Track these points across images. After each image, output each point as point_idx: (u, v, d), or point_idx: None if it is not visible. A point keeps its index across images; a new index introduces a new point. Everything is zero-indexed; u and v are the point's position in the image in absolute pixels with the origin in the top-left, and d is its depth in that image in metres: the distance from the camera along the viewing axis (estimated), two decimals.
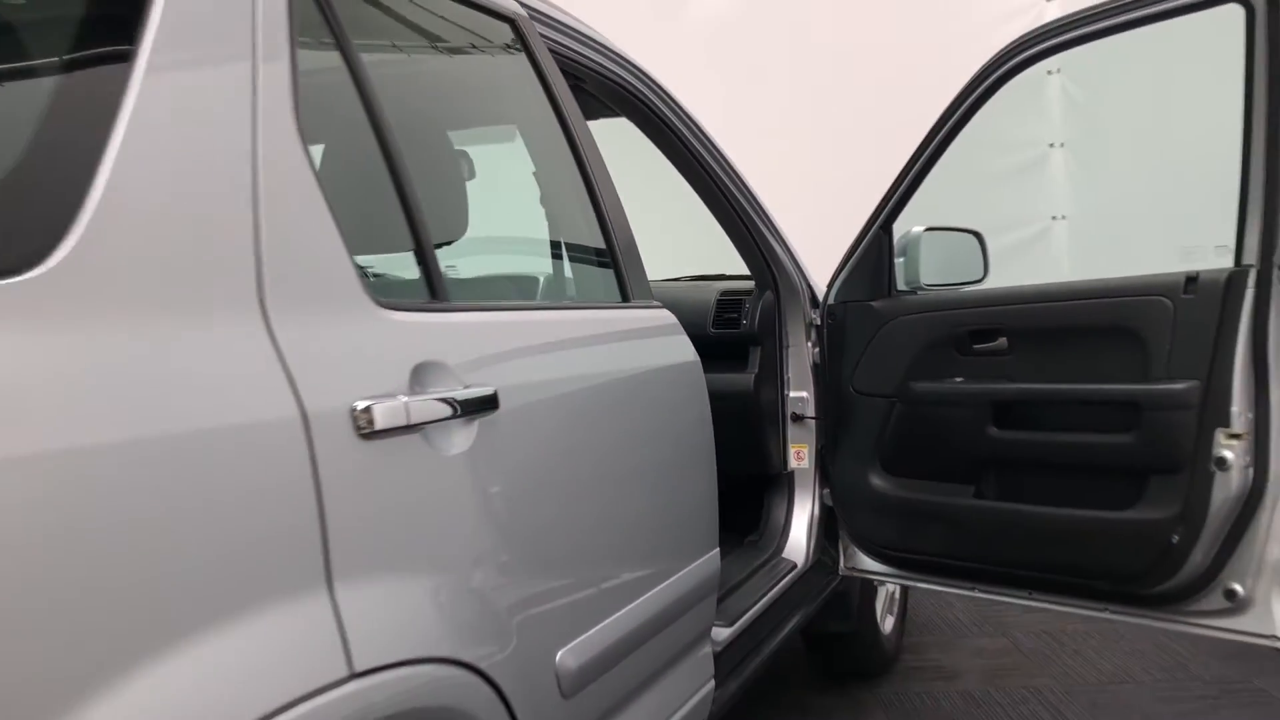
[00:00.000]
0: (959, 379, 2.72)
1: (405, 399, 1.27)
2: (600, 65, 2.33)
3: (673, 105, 2.59)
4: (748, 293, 3.18)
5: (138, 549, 0.96)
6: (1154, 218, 4.84)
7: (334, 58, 1.42)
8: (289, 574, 1.11)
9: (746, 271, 3.16)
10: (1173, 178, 4.82)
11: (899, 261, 2.90)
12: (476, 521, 1.41)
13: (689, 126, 2.64)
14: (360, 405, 1.21)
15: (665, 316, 2.16)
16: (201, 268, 1.10)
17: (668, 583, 1.96)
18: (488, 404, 1.42)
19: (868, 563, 2.95)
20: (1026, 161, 5.38)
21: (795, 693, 3.47)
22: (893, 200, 2.82)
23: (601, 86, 2.40)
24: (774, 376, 3.11)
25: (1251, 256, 2.22)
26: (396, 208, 1.47)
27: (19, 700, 0.86)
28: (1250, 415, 2.22)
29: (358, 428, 1.20)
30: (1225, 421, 2.23)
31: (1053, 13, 5.46)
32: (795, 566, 2.97)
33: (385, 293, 1.36)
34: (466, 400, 1.38)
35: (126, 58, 1.07)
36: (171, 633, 0.98)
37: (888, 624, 3.59)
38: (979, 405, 2.66)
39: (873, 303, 2.87)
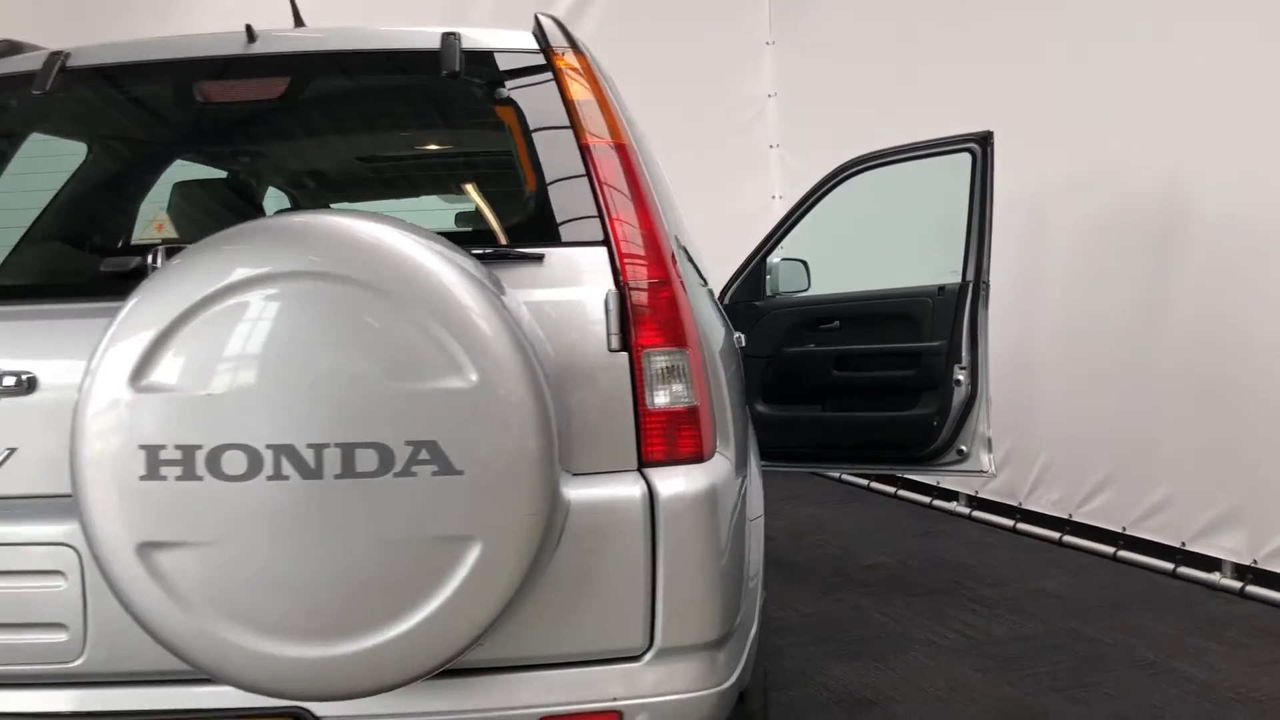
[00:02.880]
0: (812, 345, 4.79)
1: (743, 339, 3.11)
2: None
3: None
4: None
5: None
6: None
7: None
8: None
9: None
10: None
11: (768, 278, 4.92)
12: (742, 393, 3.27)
13: None
14: (737, 336, 3.05)
15: None
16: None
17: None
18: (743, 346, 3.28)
19: None
20: (754, 209, 7.59)
21: None
22: (770, 244, 4.85)
23: None
24: None
25: (970, 276, 4.44)
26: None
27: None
28: (970, 356, 4.43)
29: (740, 348, 3.04)
30: (959, 360, 4.43)
31: (773, 106, 7.79)
32: None
33: None
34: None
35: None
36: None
37: None
38: (825, 358, 4.75)
39: (756, 302, 4.88)
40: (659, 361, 2.05)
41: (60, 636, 1.94)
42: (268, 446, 1.70)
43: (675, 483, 2.01)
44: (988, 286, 4.42)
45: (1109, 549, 5.01)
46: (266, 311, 1.72)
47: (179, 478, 1.71)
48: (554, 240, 2.08)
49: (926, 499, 6.28)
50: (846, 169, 4.71)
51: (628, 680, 2.00)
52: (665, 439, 2.05)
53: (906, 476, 6.28)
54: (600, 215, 2.08)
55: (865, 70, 6.78)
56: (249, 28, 2.25)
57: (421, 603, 1.75)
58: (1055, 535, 5.32)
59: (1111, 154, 4.96)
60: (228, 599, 1.74)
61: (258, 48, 2.26)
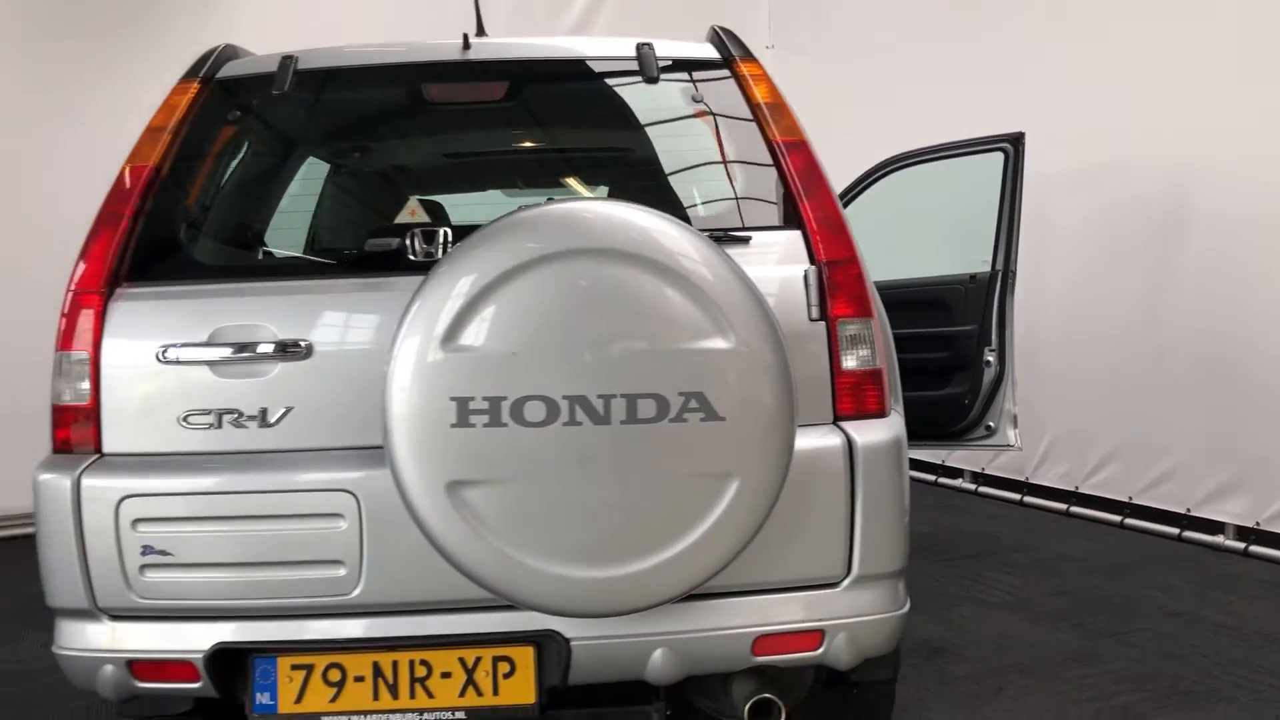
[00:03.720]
0: None
1: None
2: None
3: None
4: None
5: None
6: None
7: None
8: None
9: None
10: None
11: None
12: None
13: None
14: None
15: None
16: None
17: None
18: None
19: None
20: None
21: None
22: None
23: None
24: None
25: (999, 266, 4.83)
26: None
27: None
28: (999, 340, 4.81)
29: None
30: (989, 343, 4.81)
31: None
32: None
33: None
34: None
35: None
36: None
37: None
38: None
39: None
40: (850, 329, 2.38)
41: (339, 572, 2.21)
42: (564, 397, 1.99)
43: (868, 434, 2.35)
44: (1015, 275, 4.80)
45: (1115, 517, 5.44)
46: (560, 283, 2.02)
47: (486, 424, 1.99)
48: (756, 225, 2.40)
49: (931, 477, 6.68)
50: (885, 166, 5.05)
51: (829, 604, 2.32)
52: (854, 397, 2.39)
53: (914, 456, 6.66)
54: (794, 202, 2.40)
55: (863, 74, 7.16)
56: (465, 36, 2.53)
57: (688, 531, 2.05)
58: (1062, 507, 5.75)
59: (1114, 149, 5.39)
60: (524, 529, 2.03)
61: (472, 54, 2.54)
